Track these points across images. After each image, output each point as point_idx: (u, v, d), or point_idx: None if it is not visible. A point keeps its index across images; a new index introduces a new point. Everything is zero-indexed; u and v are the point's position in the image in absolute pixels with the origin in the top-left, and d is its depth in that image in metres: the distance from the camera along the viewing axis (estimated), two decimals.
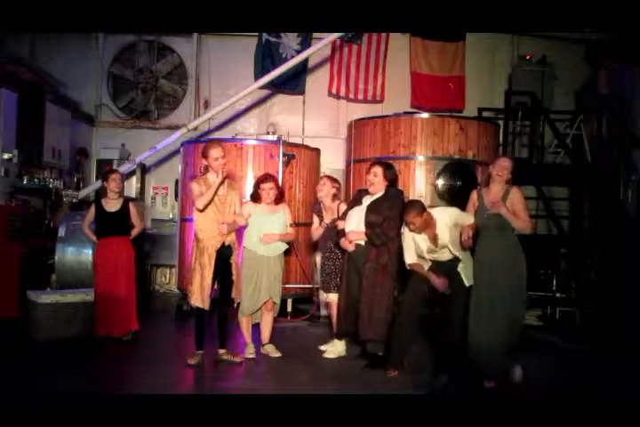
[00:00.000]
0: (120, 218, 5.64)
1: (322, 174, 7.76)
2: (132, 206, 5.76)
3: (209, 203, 4.67)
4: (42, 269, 6.80)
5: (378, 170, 4.87)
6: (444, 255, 4.49)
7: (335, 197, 5.39)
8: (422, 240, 4.46)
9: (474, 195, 4.56)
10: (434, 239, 4.42)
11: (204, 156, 4.75)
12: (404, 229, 4.53)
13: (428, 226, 4.38)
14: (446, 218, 4.41)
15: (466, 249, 4.44)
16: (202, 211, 4.68)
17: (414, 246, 4.49)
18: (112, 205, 5.64)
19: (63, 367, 4.69)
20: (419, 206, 4.39)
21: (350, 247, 4.90)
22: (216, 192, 4.68)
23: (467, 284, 4.43)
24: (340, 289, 5.06)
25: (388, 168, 4.92)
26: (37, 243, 6.85)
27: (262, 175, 5.21)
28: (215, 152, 4.71)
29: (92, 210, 5.65)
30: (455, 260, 4.47)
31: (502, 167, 4.40)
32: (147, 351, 5.37)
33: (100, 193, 5.78)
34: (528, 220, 4.35)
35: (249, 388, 4.37)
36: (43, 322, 5.46)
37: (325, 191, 5.34)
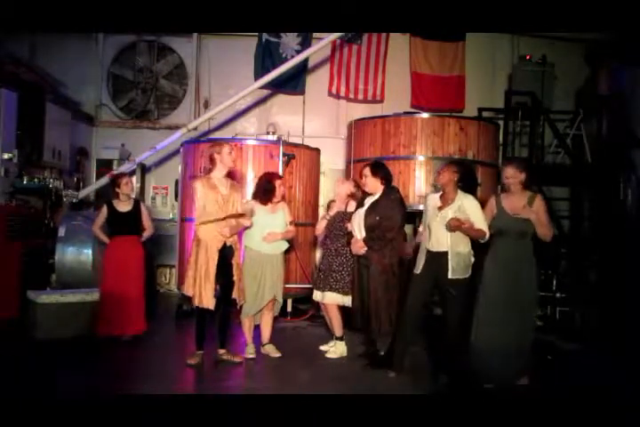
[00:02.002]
0: (132, 218, 5.69)
1: (322, 174, 7.79)
2: (143, 207, 5.84)
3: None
4: (42, 269, 6.80)
5: (365, 170, 4.97)
6: (441, 243, 4.46)
7: (350, 196, 5.45)
8: (433, 206, 4.55)
9: (492, 201, 4.57)
10: (444, 206, 4.49)
11: (217, 152, 4.82)
12: (428, 195, 4.80)
13: (448, 185, 4.52)
14: (466, 201, 4.46)
15: (451, 231, 4.40)
16: (197, 224, 4.77)
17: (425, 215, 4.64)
18: (124, 205, 5.71)
19: (63, 367, 4.69)
20: (457, 168, 4.58)
21: (361, 252, 4.88)
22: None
23: (449, 275, 4.39)
24: (352, 288, 5.07)
25: (375, 166, 4.99)
26: (37, 243, 6.85)
27: (270, 173, 5.28)
28: (228, 147, 4.86)
29: (104, 211, 5.68)
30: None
31: (505, 176, 4.45)
32: (147, 351, 5.38)
33: (108, 195, 5.82)
34: (551, 228, 4.38)
35: (249, 388, 4.37)
36: (43, 322, 5.46)
37: (341, 193, 5.43)
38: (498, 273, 4.34)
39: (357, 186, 5.50)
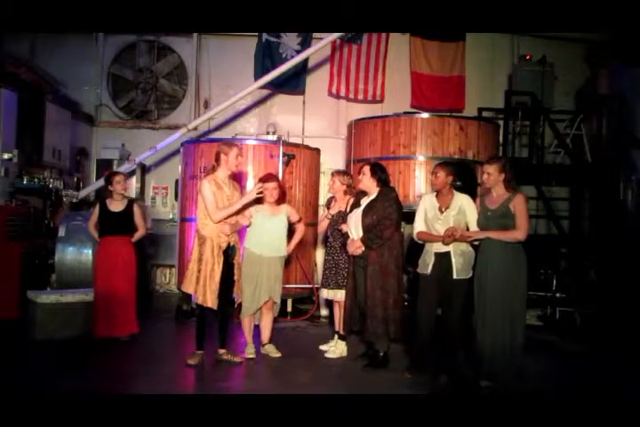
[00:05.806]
0: (123, 218, 5.65)
1: (322, 174, 7.79)
2: (136, 208, 5.78)
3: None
4: (42, 269, 6.80)
5: (365, 168, 4.98)
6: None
7: (347, 190, 5.43)
8: (432, 208, 4.63)
9: (478, 200, 4.63)
10: (443, 207, 4.61)
11: (225, 153, 4.78)
12: (419, 201, 4.84)
13: (444, 187, 4.64)
14: (464, 201, 4.60)
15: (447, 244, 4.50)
16: (216, 222, 4.71)
17: (424, 216, 4.68)
18: (116, 205, 5.66)
19: (63, 367, 4.69)
20: (451, 169, 4.68)
21: (358, 251, 4.89)
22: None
23: (454, 276, 4.47)
24: (346, 288, 5.08)
25: (375, 166, 5.00)
26: (37, 243, 6.85)
27: (265, 175, 5.23)
28: (237, 150, 4.83)
29: (97, 210, 5.65)
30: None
31: (484, 174, 4.50)
32: (147, 351, 5.37)
33: (105, 194, 5.80)
34: (523, 227, 4.30)
35: (249, 388, 4.38)
36: (43, 322, 5.47)
37: (336, 188, 5.44)
38: (487, 272, 4.35)
39: (340, 174, 5.51)
